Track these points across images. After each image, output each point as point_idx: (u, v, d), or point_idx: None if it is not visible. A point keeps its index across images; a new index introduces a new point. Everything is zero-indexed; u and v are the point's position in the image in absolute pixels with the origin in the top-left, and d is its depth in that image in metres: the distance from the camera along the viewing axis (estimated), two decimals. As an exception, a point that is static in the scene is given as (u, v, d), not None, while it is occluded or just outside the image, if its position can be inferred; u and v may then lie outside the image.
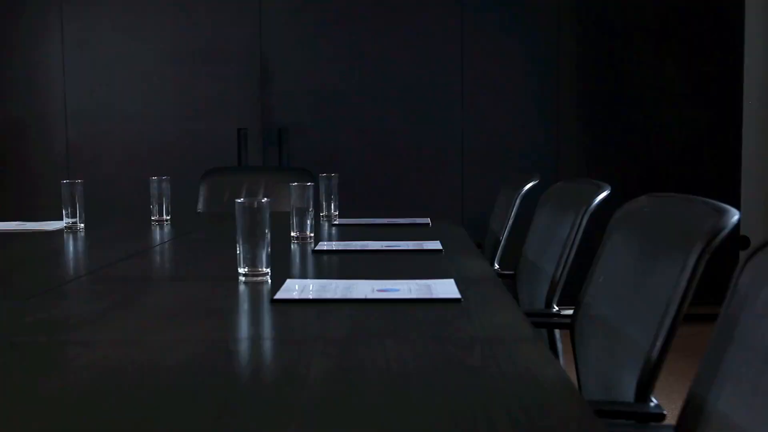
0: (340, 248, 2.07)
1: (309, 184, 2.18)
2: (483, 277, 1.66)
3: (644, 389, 1.19)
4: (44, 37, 4.66)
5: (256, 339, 1.16)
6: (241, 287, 1.52)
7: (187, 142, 4.63)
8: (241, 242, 1.57)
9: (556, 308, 1.88)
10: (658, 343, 1.19)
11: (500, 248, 2.61)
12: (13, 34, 4.67)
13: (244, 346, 1.12)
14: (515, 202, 2.55)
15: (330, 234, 2.45)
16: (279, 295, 1.40)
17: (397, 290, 1.46)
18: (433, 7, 4.61)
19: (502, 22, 4.60)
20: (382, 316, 1.27)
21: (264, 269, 1.58)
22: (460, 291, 1.42)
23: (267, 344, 1.12)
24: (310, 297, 1.40)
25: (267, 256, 1.58)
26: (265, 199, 1.59)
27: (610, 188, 1.88)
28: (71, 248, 2.27)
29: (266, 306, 1.36)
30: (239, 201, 1.58)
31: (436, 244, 2.07)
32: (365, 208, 4.31)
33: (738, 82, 4.57)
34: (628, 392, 1.27)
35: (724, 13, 4.58)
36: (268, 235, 1.58)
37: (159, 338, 1.14)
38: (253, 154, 4.62)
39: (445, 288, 1.47)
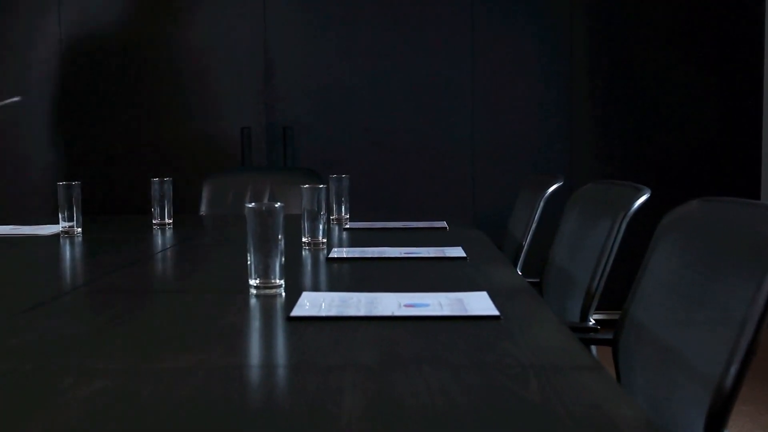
0: (355, 255, 1.92)
1: (321, 186, 2.04)
2: (517, 289, 1.51)
3: (717, 422, 1.05)
4: (42, 35, 4.51)
5: (273, 367, 1.01)
6: (253, 301, 1.38)
7: (188, 142, 4.48)
8: (252, 251, 1.43)
9: (593, 321, 1.74)
10: (733, 370, 1.04)
11: (523, 254, 2.46)
12: (11, 33, 4.52)
13: (260, 376, 0.97)
14: (539, 204, 2.41)
15: (342, 239, 2.30)
16: (295, 312, 1.26)
17: (427, 305, 1.31)
18: (443, 3, 4.47)
19: (514, 19, 4.45)
20: (415, 336, 1.12)
21: (277, 281, 1.43)
22: (496, 306, 1.28)
23: (287, 373, 0.97)
24: (331, 314, 1.25)
25: (281, 266, 1.43)
26: (279, 203, 1.45)
27: (649, 191, 1.73)
28: (67, 255, 2.13)
29: (282, 324, 1.21)
30: (250, 206, 1.43)
31: (458, 251, 1.92)
32: (373, 209, 4.16)
33: (758, 79, 4.42)
34: (691, 423, 1.12)
35: (743, 9, 4.43)
36: (282, 243, 1.43)
37: (163, 366, 0.99)
38: (257, 153, 4.47)
39: (480, 302, 1.32)
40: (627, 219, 1.71)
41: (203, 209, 3.40)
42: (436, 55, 4.47)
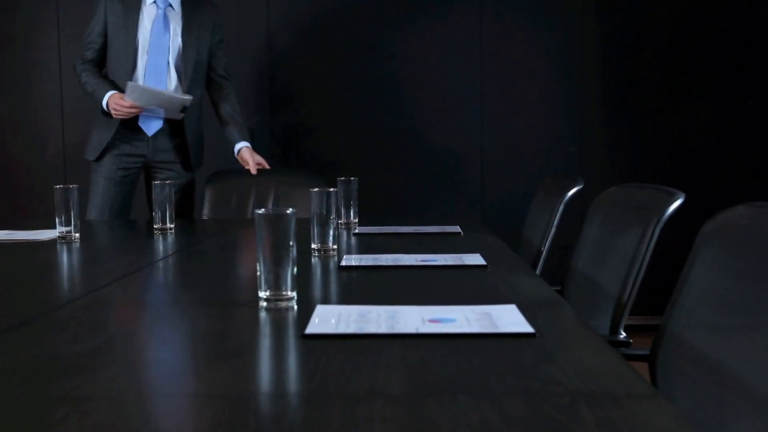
0: (368, 263, 1.80)
1: (331, 189, 1.93)
2: (547, 301, 1.41)
3: (785, 455, 0.94)
4: (40, 32, 4.41)
5: (291, 395, 0.90)
6: (263, 315, 1.27)
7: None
8: (262, 260, 1.32)
9: (624, 335, 1.63)
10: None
11: (542, 260, 2.35)
12: (8, 30, 4.42)
13: (277, 407, 0.86)
14: (558, 209, 2.30)
15: (353, 245, 2.19)
16: (311, 329, 1.15)
17: (453, 320, 1.20)
18: (451, 2, 4.36)
19: (523, 18, 4.35)
20: (445, 357, 1.01)
21: (289, 293, 1.33)
22: (527, 320, 1.17)
23: (307, 404, 0.86)
24: (350, 331, 1.14)
25: (293, 276, 1.33)
26: (291, 209, 1.34)
27: (683, 195, 1.63)
28: (64, 263, 2.02)
29: (296, 343, 1.10)
30: (260, 211, 1.32)
31: (477, 258, 1.82)
32: (379, 212, 4.06)
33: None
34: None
35: (760, 7, 4.32)
36: (294, 251, 1.33)
37: (166, 393, 0.88)
38: (261, 155, 4.35)
39: (510, 317, 1.22)
40: (661, 225, 1.60)
41: (206, 213, 3.30)
42: (444, 55, 4.37)
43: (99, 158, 3.28)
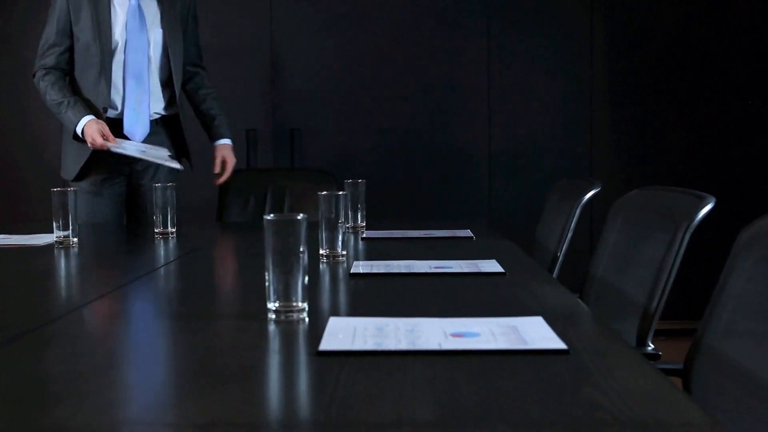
0: (380, 270, 1.72)
1: (341, 192, 1.85)
2: (575, 312, 1.32)
3: None
4: (37, 32, 4.32)
5: (309, 424, 0.81)
6: (272, 328, 1.18)
7: (191, 143, 4.28)
8: (270, 269, 1.23)
9: (652, 346, 1.54)
10: None
11: (558, 266, 2.27)
12: (5, 30, 4.33)
13: (294, 438, 0.77)
14: (575, 212, 2.21)
15: (362, 250, 2.11)
16: (325, 345, 1.06)
17: (477, 335, 1.12)
18: (458, 1, 4.27)
19: (531, 17, 4.26)
20: (473, 378, 0.93)
21: (300, 304, 1.24)
22: (557, 334, 1.09)
23: (326, 432, 0.78)
24: (368, 347, 1.06)
25: (303, 286, 1.24)
26: (301, 214, 1.25)
27: (714, 199, 1.54)
28: (62, 270, 1.93)
29: (310, 361, 1.02)
30: (269, 217, 1.24)
31: (494, 265, 1.73)
32: (385, 215, 3.97)
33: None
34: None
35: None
36: (305, 259, 1.24)
37: (169, 422, 0.80)
38: (263, 156, 4.28)
39: (539, 331, 1.13)
40: (690, 231, 1.52)
41: (221, 213, 3.24)
42: (451, 55, 4.28)
43: (78, 177, 2.89)
